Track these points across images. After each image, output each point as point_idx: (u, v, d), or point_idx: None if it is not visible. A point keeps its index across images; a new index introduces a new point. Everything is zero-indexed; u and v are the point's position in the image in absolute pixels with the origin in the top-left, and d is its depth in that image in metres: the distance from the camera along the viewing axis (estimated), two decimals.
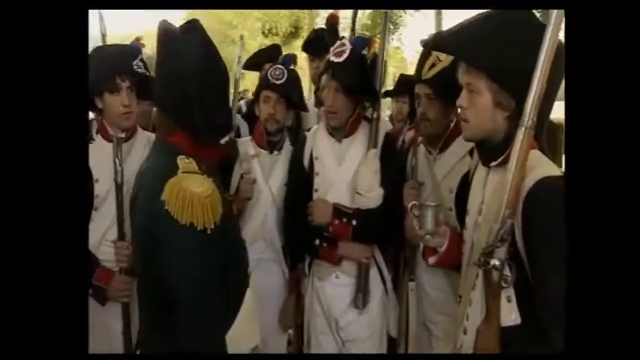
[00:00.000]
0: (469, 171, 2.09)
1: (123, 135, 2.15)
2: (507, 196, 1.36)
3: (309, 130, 2.60)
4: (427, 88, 2.14)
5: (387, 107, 5.27)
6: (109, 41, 2.86)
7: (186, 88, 1.48)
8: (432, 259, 1.83)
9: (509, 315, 1.37)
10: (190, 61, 1.49)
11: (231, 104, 2.78)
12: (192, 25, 1.58)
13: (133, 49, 2.58)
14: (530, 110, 1.34)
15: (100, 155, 2.10)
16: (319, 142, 2.39)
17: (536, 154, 1.42)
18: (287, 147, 2.63)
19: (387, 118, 3.93)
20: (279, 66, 2.53)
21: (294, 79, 2.55)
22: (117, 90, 2.10)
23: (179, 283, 1.43)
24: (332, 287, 2.37)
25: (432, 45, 1.66)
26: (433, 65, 2.06)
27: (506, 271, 1.38)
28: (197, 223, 1.42)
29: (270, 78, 2.49)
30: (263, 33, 18.62)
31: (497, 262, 1.37)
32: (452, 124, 2.17)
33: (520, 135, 1.36)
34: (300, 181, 2.41)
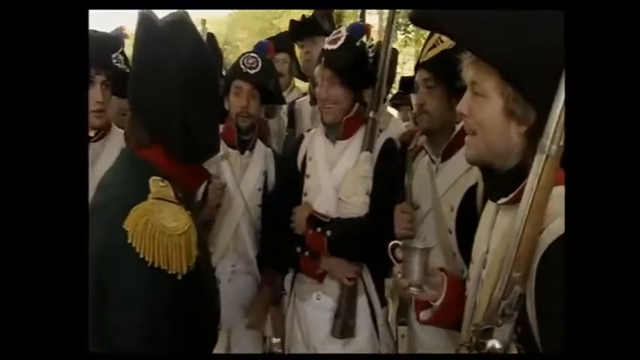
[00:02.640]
0: (476, 185, 1.68)
1: (92, 134, 1.91)
2: (515, 254, 0.94)
3: (308, 130, 2.31)
4: (425, 72, 1.79)
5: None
6: None
7: (167, 95, 1.19)
8: (423, 315, 1.37)
9: None
10: (174, 62, 1.20)
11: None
12: (180, 18, 1.28)
13: (114, 40, 2.19)
14: (554, 130, 0.91)
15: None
16: (315, 142, 2.12)
17: (562, 194, 0.94)
18: (259, 147, 2.32)
19: (399, 120, 3.57)
20: (253, 54, 2.23)
21: (269, 68, 2.25)
22: (91, 83, 1.86)
23: (124, 338, 1.12)
24: (312, 310, 2.05)
25: (426, 21, 1.18)
26: (433, 47, 1.72)
27: None
28: (166, 265, 1.12)
29: (242, 67, 2.17)
30: None
31: (497, 346, 0.96)
32: (458, 127, 1.76)
33: (538, 165, 0.94)
34: (290, 182, 2.13)
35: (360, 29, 2.07)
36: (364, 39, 2.10)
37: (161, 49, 1.22)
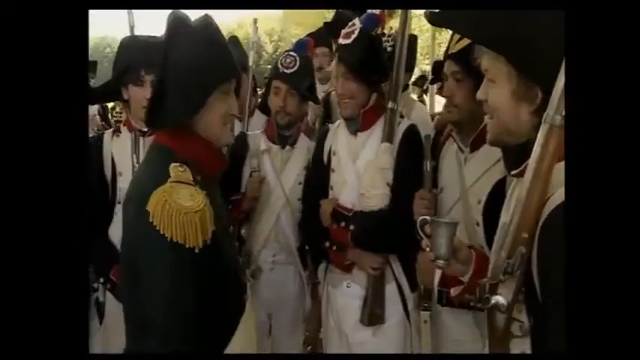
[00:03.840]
0: (504, 179, 1.72)
1: (145, 129, 2.07)
2: (519, 217, 1.02)
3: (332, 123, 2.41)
4: (454, 65, 1.79)
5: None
6: None
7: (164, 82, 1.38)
8: (454, 291, 1.42)
9: None
10: (181, 57, 1.37)
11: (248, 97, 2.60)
12: (204, 21, 1.44)
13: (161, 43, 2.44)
14: (558, 102, 0.99)
15: (124, 148, 2.09)
16: (338, 135, 2.15)
17: None
18: (302, 142, 2.40)
19: (423, 105, 3.55)
20: (291, 53, 2.30)
21: (306, 67, 2.31)
22: (141, 83, 2.04)
23: (153, 305, 1.28)
24: (343, 297, 2.12)
25: (437, 19, 1.28)
26: (461, 38, 1.70)
27: (523, 317, 1.05)
28: (184, 240, 1.26)
29: (280, 67, 2.27)
30: None
31: (500, 301, 1.03)
32: (486, 119, 1.79)
33: (542, 134, 1.02)
34: (318, 177, 2.19)
35: (374, 20, 2.04)
36: (379, 29, 2.09)
37: (187, 45, 1.39)
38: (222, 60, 1.44)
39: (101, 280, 2.05)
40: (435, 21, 1.35)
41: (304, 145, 2.38)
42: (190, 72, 1.37)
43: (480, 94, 1.21)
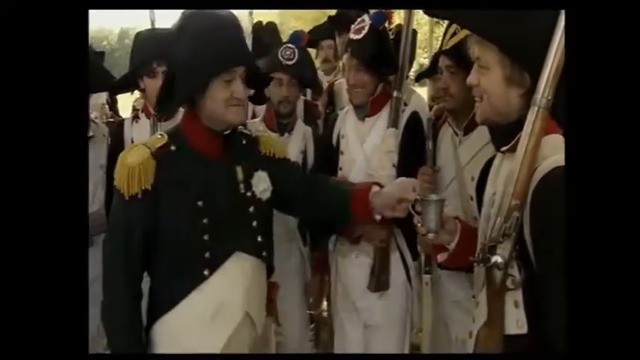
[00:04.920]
0: (494, 157, 1.90)
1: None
2: (514, 186, 1.19)
3: (341, 109, 2.54)
4: (447, 60, 1.98)
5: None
6: None
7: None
8: (440, 257, 1.60)
9: (515, 322, 1.21)
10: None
11: None
12: (214, 15, 1.60)
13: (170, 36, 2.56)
14: (544, 87, 1.16)
15: (143, 132, 2.26)
16: (347, 120, 2.34)
17: (554, 140, 1.21)
18: (299, 128, 2.55)
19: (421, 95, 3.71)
20: (290, 45, 2.43)
21: (305, 58, 2.46)
22: (154, 74, 2.22)
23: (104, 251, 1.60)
24: (352, 267, 2.30)
25: (436, 12, 1.45)
26: (454, 34, 1.89)
27: (515, 272, 1.22)
28: (121, 189, 1.53)
29: (281, 59, 2.40)
30: None
31: (499, 260, 1.21)
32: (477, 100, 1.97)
33: (532, 115, 1.19)
34: (327, 158, 2.37)
35: (382, 16, 2.23)
36: (386, 24, 2.28)
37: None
38: (224, 50, 1.56)
39: None
40: (434, 13, 1.50)
41: (300, 131, 2.53)
42: (192, 62, 1.55)
43: (470, 80, 1.36)
